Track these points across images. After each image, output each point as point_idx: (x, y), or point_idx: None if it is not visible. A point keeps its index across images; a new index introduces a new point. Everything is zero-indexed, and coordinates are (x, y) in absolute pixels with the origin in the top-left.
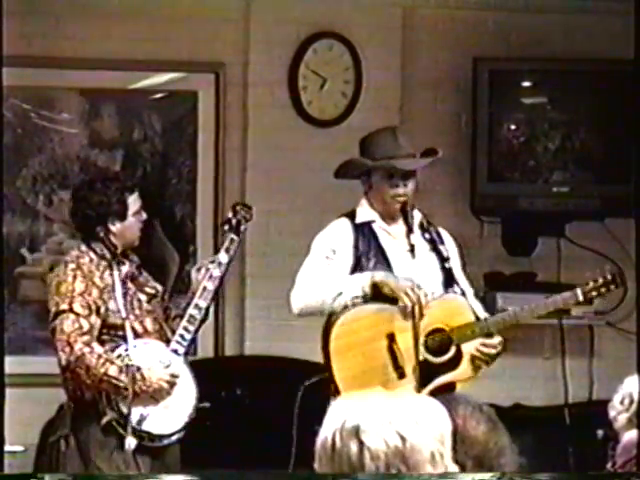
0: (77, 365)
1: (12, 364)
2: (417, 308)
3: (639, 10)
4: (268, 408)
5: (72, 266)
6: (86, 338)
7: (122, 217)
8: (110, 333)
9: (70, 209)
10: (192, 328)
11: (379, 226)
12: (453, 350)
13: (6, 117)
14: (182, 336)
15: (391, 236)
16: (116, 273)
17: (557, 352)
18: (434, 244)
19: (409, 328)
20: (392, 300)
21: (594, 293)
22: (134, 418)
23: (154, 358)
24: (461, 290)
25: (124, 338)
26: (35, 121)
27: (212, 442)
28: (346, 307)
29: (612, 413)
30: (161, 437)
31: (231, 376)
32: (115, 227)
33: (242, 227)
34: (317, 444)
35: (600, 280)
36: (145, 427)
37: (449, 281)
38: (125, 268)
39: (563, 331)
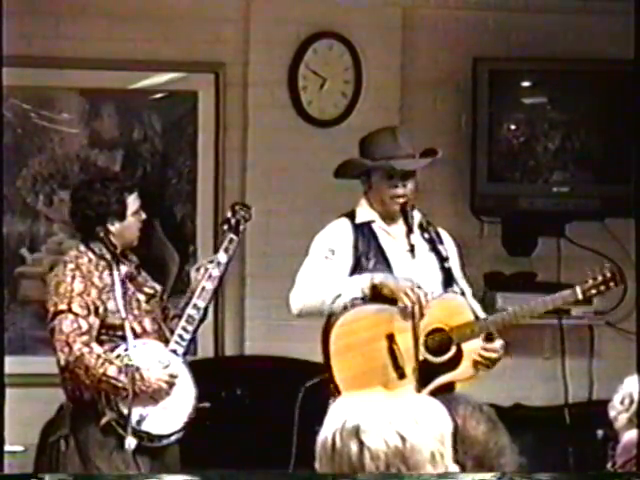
0: (76, 365)
1: (12, 364)
2: (417, 308)
3: (639, 10)
4: (268, 408)
5: (71, 266)
6: (85, 338)
7: (121, 217)
8: (109, 333)
9: (69, 209)
10: (191, 328)
11: (379, 226)
12: (453, 350)
13: (6, 117)
14: (181, 336)
15: (391, 236)
16: (116, 273)
17: (557, 352)
18: (433, 244)
19: (409, 328)
20: (392, 301)
21: (593, 291)
22: (133, 418)
23: (153, 358)
24: (460, 290)
25: (123, 338)
26: (35, 121)
27: (212, 442)
28: (345, 308)
29: (612, 413)
30: (160, 437)
31: (231, 376)
32: (114, 227)
33: (241, 227)
34: (317, 444)
35: (599, 278)
36: (144, 427)
37: (448, 281)
38: (124, 268)
39: (563, 331)
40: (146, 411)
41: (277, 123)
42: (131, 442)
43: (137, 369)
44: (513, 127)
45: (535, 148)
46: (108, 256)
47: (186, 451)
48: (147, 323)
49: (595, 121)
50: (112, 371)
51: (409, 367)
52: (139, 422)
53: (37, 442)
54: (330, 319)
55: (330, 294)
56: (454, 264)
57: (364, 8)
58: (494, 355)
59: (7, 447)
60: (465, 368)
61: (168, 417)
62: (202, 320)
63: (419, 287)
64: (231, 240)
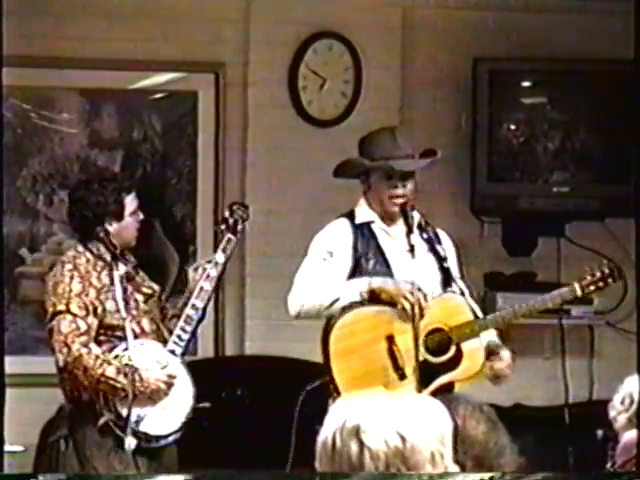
0: (75, 366)
1: (12, 364)
2: (417, 310)
3: (639, 10)
4: (268, 408)
5: (69, 267)
6: (83, 339)
7: (119, 217)
8: (107, 334)
9: (67, 210)
10: (189, 328)
11: (378, 226)
12: (453, 350)
13: (6, 117)
14: (179, 336)
15: (390, 237)
16: (116, 273)
17: (557, 352)
18: (432, 244)
19: (408, 329)
20: (391, 303)
21: (592, 287)
22: (132, 419)
23: (151, 359)
24: (459, 290)
25: (121, 339)
26: (35, 121)
27: (212, 442)
28: (344, 310)
29: (612, 413)
30: (158, 438)
31: (231, 376)
32: (112, 227)
33: (239, 227)
34: (318, 444)
35: (598, 274)
36: (142, 428)
37: (447, 281)
38: (123, 268)
39: (563, 331)
40: (144, 411)
41: (277, 123)
42: (131, 442)
43: (135, 370)
44: (513, 127)
45: (535, 148)
46: (106, 256)
47: (186, 451)
48: (145, 323)
49: (595, 121)
50: (111, 372)
51: (409, 368)
52: (137, 422)
53: (37, 442)
54: (329, 321)
55: (328, 298)
56: (452, 264)
57: (364, 8)
58: (507, 370)
59: (7, 447)
60: (465, 368)
61: (166, 417)
62: (200, 320)
63: (419, 289)
64: (229, 240)
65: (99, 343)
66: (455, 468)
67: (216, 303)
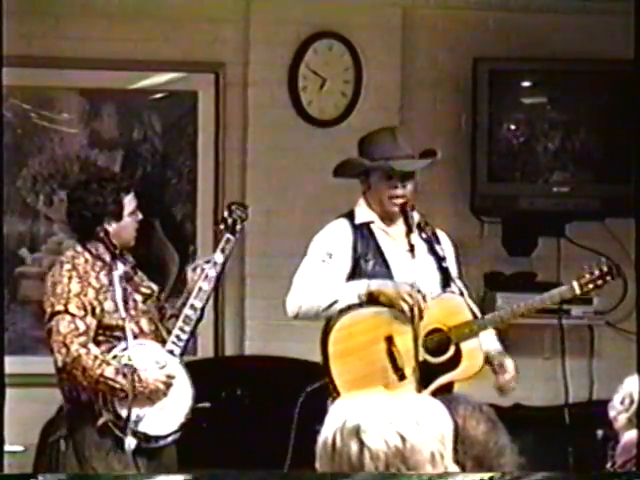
0: (73, 366)
1: (12, 364)
2: (417, 311)
3: (639, 10)
4: (268, 408)
5: (67, 267)
6: (82, 339)
7: (118, 217)
8: (106, 334)
9: (66, 210)
10: (188, 329)
11: (378, 227)
12: (452, 350)
13: (6, 117)
14: (178, 337)
15: (390, 237)
16: (116, 273)
17: (557, 352)
18: (430, 244)
19: (407, 330)
20: (389, 305)
21: (591, 285)
22: (131, 419)
23: (150, 359)
24: (459, 289)
25: (120, 339)
26: (35, 121)
27: (212, 442)
28: (342, 311)
29: (612, 413)
30: (157, 438)
31: (231, 376)
32: (111, 227)
33: (238, 227)
34: (318, 443)
35: (596, 272)
36: (141, 428)
37: (446, 281)
38: (122, 268)
39: (563, 331)
40: (143, 412)
41: (277, 123)
42: (131, 442)
43: (134, 370)
44: (513, 127)
45: (535, 148)
46: (105, 256)
47: (186, 451)
48: (144, 323)
49: (595, 121)
50: (109, 372)
51: (409, 368)
52: (136, 423)
53: (37, 442)
54: (328, 323)
55: (326, 300)
56: (451, 264)
57: (364, 8)
58: (512, 384)
59: (7, 447)
60: (465, 368)
61: (165, 418)
62: (199, 320)
63: (418, 291)
64: (228, 240)
65: (98, 343)
66: (455, 468)
67: (216, 303)
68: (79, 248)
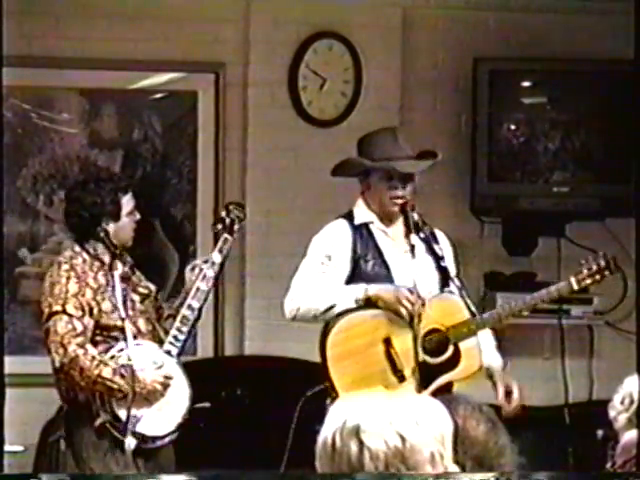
0: (71, 367)
1: (12, 364)
2: (416, 314)
3: (639, 10)
4: (268, 408)
5: (65, 267)
6: (80, 340)
7: (116, 218)
8: (103, 334)
9: (64, 210)
10: (185, 329)
11: (377, 227)
12: (451, 349)
13: (6, 117)
14: (175, 337)
15: (389, 237)
16: (116, 273)
17: (557, 352)
18: (429, 244)
19: (405, 331)
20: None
21: (589, 280)
22: (126, 420)
23: (147, 359)
24: (457, 289)
25: (117, 339)
26: (35, 121)
27: (212, 442)
28: (340, 314)
29: (612, 413)
30: (154, 439)
31: (231, 376)
32: (109, 228)
33: (236, 227)
34: (318, 444)
35: (594, 267)
36: (138, 429)
37: (445, 280)
38: (120, 268)
39: (563, 331)
40: (140, 412)
41: (277, 123)
42: (131, 442)
43: (133, 370)
44: (513, 127)
45: (535, 148)
46: (103, 257)
47: (186, 451)
48: (141, 324)
49: (595, 121)
50: (107, 372)
51: (408, 370)
52: (133, 423)
53: (37, 442)
54: (326, 326)
55: (324, 303)
56: (450, 263)
57: (364, 8)
58: (517, 410)
59: (7, 447)
60: (464, 367)
61: (162, 418)
62: (197, 320)
63: (418, 295)
64: (225, 240)
65: (95, 344)
66: (455, 468)
67: (216, 303)
68: (77, 248)
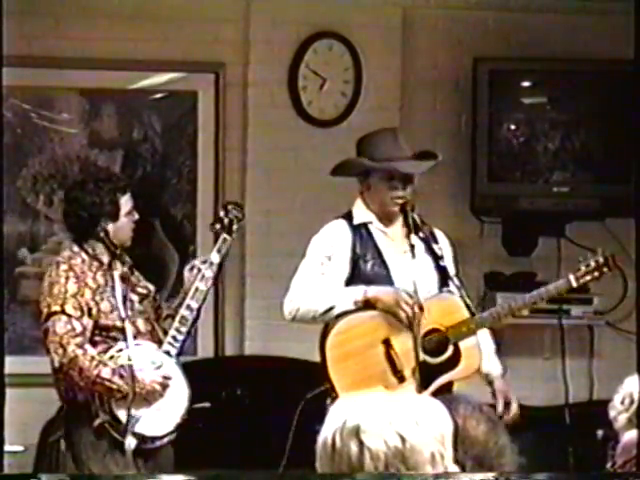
0: (70, 367)
1: (12, 364)
2: (415, 317)
3: (639, 10)
4: (268, 408)
5: (64, 267)
6: (79, 340)
7: (114, 218)
8: (102, 334)
9: (62, 210)
10: (184, 329)
11: (376, 227)
12: (451, 349)
13: (6, 117)
14: (174, 337)
15: (388, 237)
16: (116, 273)
17: (557, 352)
18: (428, 243)
19: (404, 332)
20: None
21: (588, 278)
22: (129, 419)
23: (146, 360)
24: (456, 288)
25: (116, 339)
26: (35, 121)
27: (212, 442)
28: (339, 315)
29: (612, 413)
30: (153, 439)
31: (231, 376)
32: (108, 228)
33: (234, 226)
34: (318, 444)
35: (592, 264)
36: (137, 429)
37: (444, 280)
38: (120, 268)
39: (563, 331)
40: (139, 413)
41: (277, 123)
42: (131, 442)
43: (133, 371)
44: (513, 127)
45: (535, 148)
46: (102, 257)
47: (186, 451)
48: (140, 324)
49: (595, 121)
50: (106, 373)
51: (408, 370)
52: (132, 424)
53: (37, 442)
54: (326, 328)
55: (323, 305)
56: (449, 262)
57: (364, 8)
58: (515, 417)
59: (7, 447)
60: (464, 366)
61: (161, 419)
62: (195, 320)
63: (417, 300)
64: (224, 240)
65: (94, 344)
66: (455, 468)
67: (216, 303)
68: (75, 248)
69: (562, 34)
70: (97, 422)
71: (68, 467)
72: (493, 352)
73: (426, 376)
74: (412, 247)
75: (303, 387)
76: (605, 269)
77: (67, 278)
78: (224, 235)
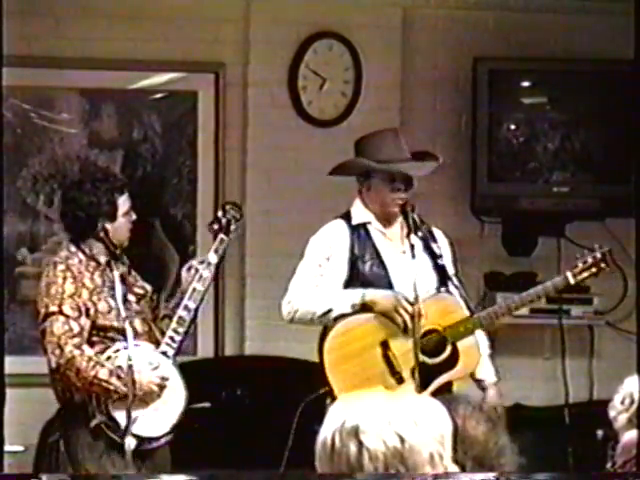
0: (67, 368)
1: (12, 364)
2: (410, 323)
3: (639, 10)
4: (268, 408)
5: (61, 267)
6: (76, 340)
7: (112, 218)
8: (99, 335)
9: (60, 210)
10: (181, 330)
11: (374, 227)
12: (449, 349)
13: (6, 117)
14: (172, 338)
15: (387, 238)
16: (116, 273)
17: (557, 352)
18: (427, 242)
19: (402, 333)
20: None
21: (585, 274)
22: (124, 421)
23: (143, 360)
24: (455, 287)
25: (113, 340)
26: (35, 121)
27: (212, 442)
28: (337, 318)
29: (612, 413)
30: (150, 440)
31: (231, 376)
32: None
33: (232, 227)
34: (317, 444)
35: (590, 260)
36: (134, 430)
37: (443, 279)
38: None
39: (563, 331)
40: (136, 413)
41: (277, 123)
42: (131, 442)
43: (133, 371)
44: (513, 127)
45: (535, 148)
46: (99, 257)
47: (186, 451)
48: (138, 324)
49: (595, 121)
50: (103, 374)
51: (406, 372)
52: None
53: (37, 442)
54: (324, 331)
55: (321, 307)
56: (447, 262)
57: (364, 8)
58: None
59: (7, 447)
60: (463, 366)
61: (158, 419)
62: (193, 321)
63: (415, 300)
64: (222, 240)
65: (91, 344)
66: (455, 469)
67: (216, 303)
68: (73, 248)
69: (562, 34)
70: (94, 423)
71: (68, 467)
72: (488, 357)
73: (425, 377)
74: (412, 247)
75: (303, 387)
76: (603, 265)
77: (64, 278)
78: (221, 235)
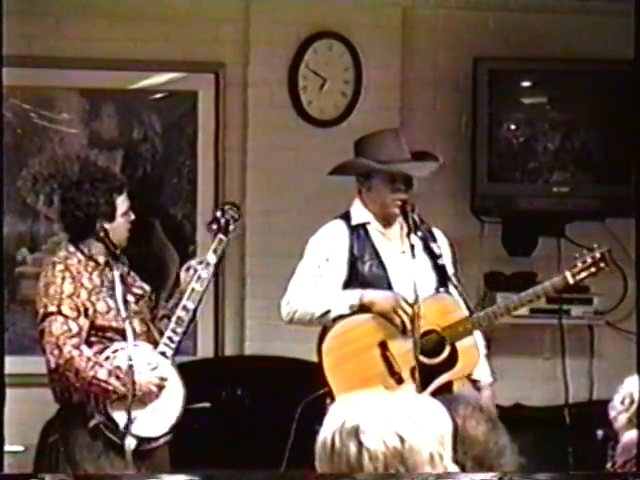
0: (66, 368)
1: (12, 364)
2: (409, 324)
3: (639, 10)
4: (268, 408)
5: (60, 267)
6: (75, 341)
7: (111, 218)
8: (98, 335)
9: (59, 210)
10: (180, 330)
11: (374, 227)
12: (448, 349)
13: (6, 117)
14: (170, 338)
15: (386, 238)
16: (116, 273)
17: (557, 352)
18: (426, 242)
19: (401, 334)
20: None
21: (584, 273)
22: (122, 421)
23: (142, 361)
24: (455, 287)
25: (112, 340)
26: (35, 121)
27: (212, 442)
28: (335, 319)
29: (612, 413)
30: (149, 440)
31: (231, 376)
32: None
33: (231, 227)
34: (317, 444)
35: (589, 260)
36: (133, 430)
37: (443, 279)
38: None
39: (563, 331)
40: (135, 414)
41: (277, 123)
42: (131, 443)
43: (134, 372)
44: (513, 127)
45: (535, 148)
46: (98, 257)
47: (186, 451)
48: (136, 324)
49: (595, 121)
50: (102, 374)
51: (405, 372)
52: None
53: (37, 442)
54: (323, 331)
55: (320, 308)
56: (447, 261)
57: (364, 8)
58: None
59: (7, 447)
60: (462, 366)
61: (157, 420)
62: (191, 321)
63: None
64: (220, 241)
65: (90, 344)
66: (455, 469)
67: (216, 303)
68: (71, 248)
69: (562, 34)
70: (92, 423)
71: (67, 467)
72: (484, 358)
73: (424, 377)
74: (412, 247)
75: (303, 387)
76: (602, 265)
77: (63, 278)
78: (220, 236)
